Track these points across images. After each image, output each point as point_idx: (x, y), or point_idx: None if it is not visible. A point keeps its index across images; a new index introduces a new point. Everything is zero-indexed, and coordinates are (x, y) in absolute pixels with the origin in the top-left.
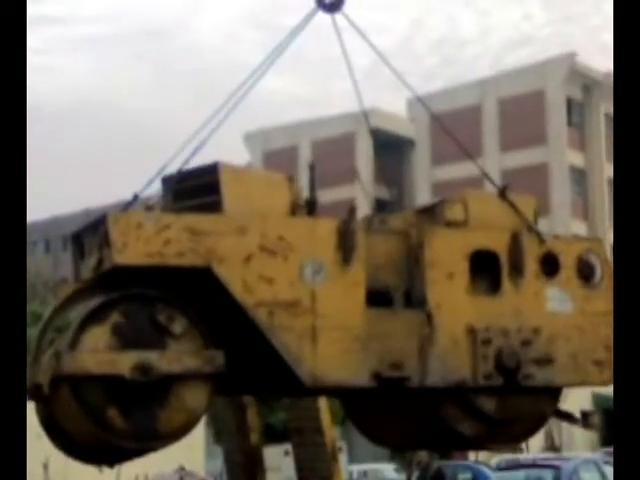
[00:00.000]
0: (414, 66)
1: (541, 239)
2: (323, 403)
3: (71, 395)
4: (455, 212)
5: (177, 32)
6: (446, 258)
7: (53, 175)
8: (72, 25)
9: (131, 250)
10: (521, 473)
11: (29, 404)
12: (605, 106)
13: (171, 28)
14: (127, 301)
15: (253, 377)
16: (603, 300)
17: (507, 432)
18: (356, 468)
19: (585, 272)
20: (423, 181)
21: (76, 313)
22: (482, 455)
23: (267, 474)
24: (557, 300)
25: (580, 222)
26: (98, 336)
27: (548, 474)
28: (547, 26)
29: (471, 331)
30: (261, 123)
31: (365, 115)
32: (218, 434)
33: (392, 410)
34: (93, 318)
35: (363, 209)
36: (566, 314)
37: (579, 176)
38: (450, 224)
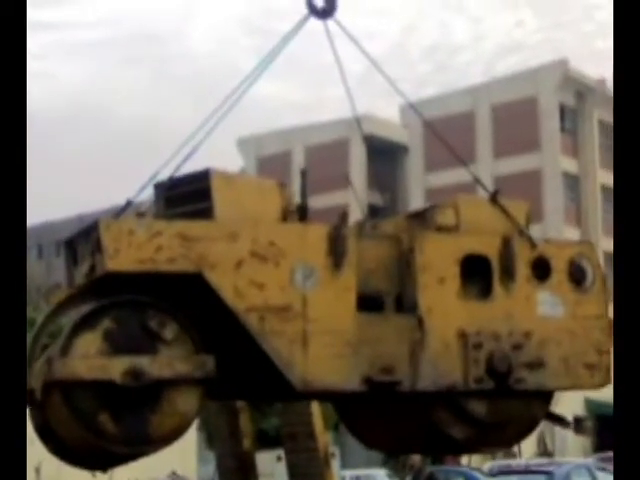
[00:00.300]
0: (407, 72)
1: (532, 243)
2: (316, 408)
3: (63, 400)
4: (446, 217)
5: (172, 37)
6: (437, 263)
7: (47, 180)
8: (68, 31)
9: (123, 256)
10: (514, 478)
11: None
12: (598, 112)
13: (166, 33)
14: (118, 307)
15: (245, 382)
16: (594, 304)
17: (499, 436)
18: (349, 473)
19: (576, 276)
20: (416, 187)
21: (68, 319)
22: (475, 460)
23: None
24: (548, 304)
25: (573, 228)
26: (89, 342)
27: (541, 479)
28: (539, 32)
29: (462, 335)
30: (254, 128)
31: (358, 121)
32: (210, 439)
33: (384, 414)
34: (85, 324)
35: (356, 215)
36: (557, 318)
37: (572, 182)
38: (441, 229)
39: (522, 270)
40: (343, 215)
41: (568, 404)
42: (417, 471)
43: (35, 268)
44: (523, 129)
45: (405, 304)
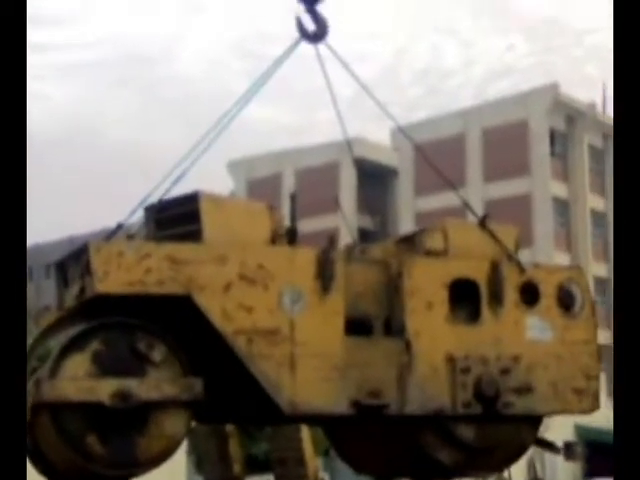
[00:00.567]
0: (398, 96)
1: (521, 268)
2: (306, 434)
3: (51, 422)
4: (435, 241)
5: (164, 60)
6: (425, 287)
7: (37, 202)
8: (60, 52)
9: (112, 279)
10: None
11: None
12: (588, 137)
13: (158, 56)
14: (107, 329)
15: (233, 405)
16: (583, 329)
17: (487, 460)
18: None
19: (565, 301)
20: (406, 211)
21: (57, 341)
22: None
23: None
24: (537, 329)
25: (563, 253)
26: (78, 364)
27: None
28: (529, 57)
29: (450, 359)
30: (245, 151)
31: (349, 144)
32: (200, 464)
33: (372, 438)
34: (73, 346)
35: (347, 239)
36: (546, 343)
37: (562, 207)
38: (430, 253)
39: (511, 295)
40: (332, 239)
41: (558, 430)
42: None
43: None
44: (513, 153)
45: (393, 328)
